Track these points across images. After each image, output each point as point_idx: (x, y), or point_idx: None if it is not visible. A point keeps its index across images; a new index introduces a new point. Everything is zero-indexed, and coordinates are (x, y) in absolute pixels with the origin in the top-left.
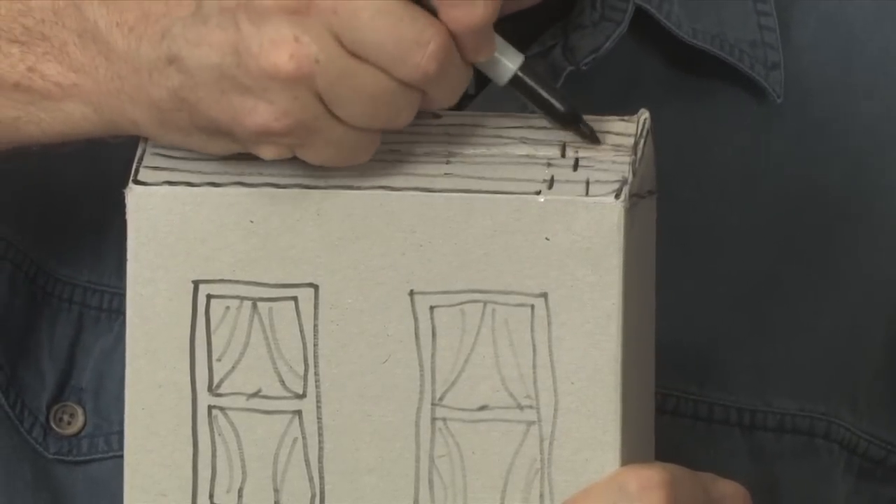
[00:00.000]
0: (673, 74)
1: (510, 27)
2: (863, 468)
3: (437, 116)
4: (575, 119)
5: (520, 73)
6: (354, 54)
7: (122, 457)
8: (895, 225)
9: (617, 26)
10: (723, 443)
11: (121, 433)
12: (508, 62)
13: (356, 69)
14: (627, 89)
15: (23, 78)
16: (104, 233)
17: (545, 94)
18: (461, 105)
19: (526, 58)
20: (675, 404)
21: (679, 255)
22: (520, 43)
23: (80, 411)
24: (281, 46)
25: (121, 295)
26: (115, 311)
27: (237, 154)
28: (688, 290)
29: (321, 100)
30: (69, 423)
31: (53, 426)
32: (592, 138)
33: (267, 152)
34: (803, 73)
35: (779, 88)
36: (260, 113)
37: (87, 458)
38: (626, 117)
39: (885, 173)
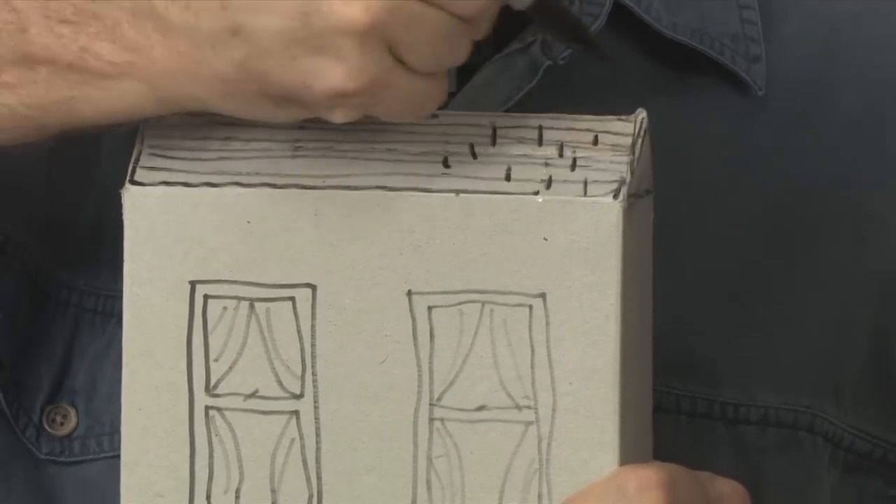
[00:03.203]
0: (653, 69)
1: (492, 26)
2: (848, 461)
3: (435, 116)
4: (585, 41)
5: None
6: None
7: (113, 458)
8: (879, 218)
9: (594, 20)
10: (707, 437)
11: (112, 434)
12: None
13: (422, 11)
14: (607, 84)
15: (76, 58)
16: (101, 236)
17: (563, 18)
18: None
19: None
20: (659, 399)
21: (662, 250)
22: (500, 41)
23: (72, 412)
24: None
25: (115, 297)
26: (108, 313)
27: (235, 153)
28: (671, 284)
29: (390, 51)
30: (62, 424)
31: (46, 427)
32: (607, 58)
33: (339, 115)
34: (787, 67)
35: (760, 81)
36: (334, 74)
37: (79, 458)
38: (623, 117)
39: (870, 166)
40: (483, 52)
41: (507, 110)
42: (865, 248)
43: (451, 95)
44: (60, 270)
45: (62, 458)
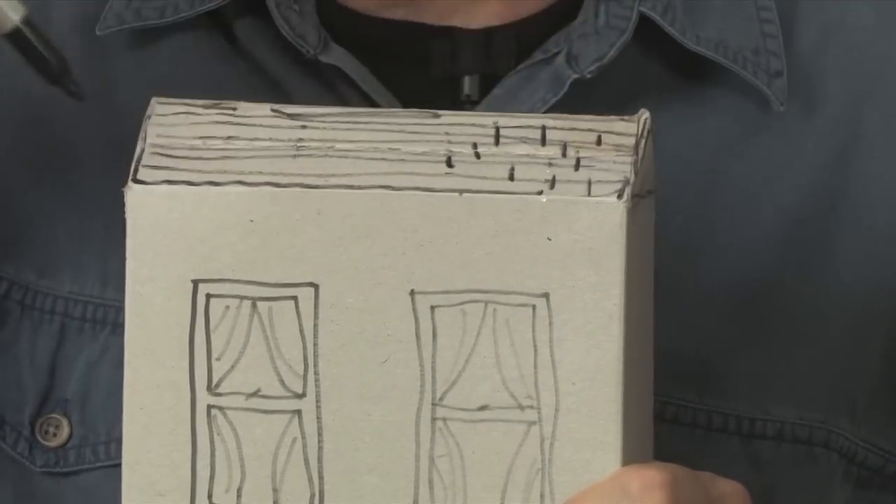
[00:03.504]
0: (676, 81)
1: (514, 36)
2: (861, 477)
3: (437, 116)
4: (64, 74)
5: (21, 26)
6: None
7: (111, 467)
8: (894, 234)
9: (621, 34)
10: (722, 451)
11: (109, 443)
12: (10, 12)
13: None
14: (631, 96)
15: None
16: (84, 244)
17: (42, 49)
18: (463, 110)
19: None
20: (675, 412)
21: (679, 263)
22: (522, 51)
23: (65, 422)
24: None
25: (105, 305)
26: (100, 321)
27: (238, 152)
28: (687, 298)
29: None
30: (55, 435)
31: (39, 438)
32: (79, 96)
33: None
34: (805, 81)
35: (781, 96)
36: None
37: (75, 468)
38: (626, 117)
39: (886, 181)
40: (506, 62)
41: None
42: (879, 263)
43: (474, 104)
44: (43, 280)
45: (58, 469)
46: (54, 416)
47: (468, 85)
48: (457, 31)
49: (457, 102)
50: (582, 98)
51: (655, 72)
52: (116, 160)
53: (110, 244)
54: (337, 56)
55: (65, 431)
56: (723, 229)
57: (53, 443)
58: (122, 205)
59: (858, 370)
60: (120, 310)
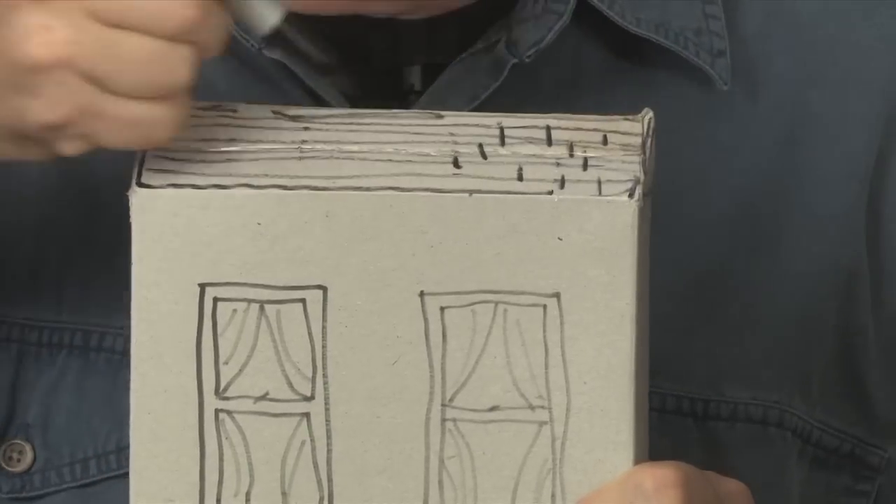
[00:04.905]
0: (619, 65)
1: (456, 24)
2: (816, 457)
3: (440, 117)
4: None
5: (281, 25)
6: (115, 25)
7: (76, 487)
8: (843, 214)
9: (559, 18)
10: (677, 433)
11: (73, 465)
12: (268, 12)
13: (115, 38)
14: (573, 81)
15: None
16: (39, 269)
17: (304, 47)
18: (407, 103)
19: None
20: None
21: None
22: (465, 40)
23: (28, 447)
24: (31, 37)
25: (61, 329)
26: (56, 345)
27: (242, 155)
28: None
29: (93, 80)
30: (18, 461)
31: (3, 465)
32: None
33: (67, 148)
34: (751, 64)
35: (725, 75)
36: (36, 110)
37: (41, 492)
38: (630, 116)
39: (833, 163)
40: (448, 51)
41: (474, 109)
42: (829, 243)
43: (418, 94)
44: None
45: (24, 494)
46: (17, 441)
47: (412, 75)
48: (398, 22)
49: (400, 93)
50: (525, 84)
51: (598, 56)
52: (72, 187)
53: (67, 269)
54: (280, 52)
55: (28, 456)
56: (672, 213)
57: (18, 468)
58: (85, 228)
59: (810, 350)
60: (75, 332)
